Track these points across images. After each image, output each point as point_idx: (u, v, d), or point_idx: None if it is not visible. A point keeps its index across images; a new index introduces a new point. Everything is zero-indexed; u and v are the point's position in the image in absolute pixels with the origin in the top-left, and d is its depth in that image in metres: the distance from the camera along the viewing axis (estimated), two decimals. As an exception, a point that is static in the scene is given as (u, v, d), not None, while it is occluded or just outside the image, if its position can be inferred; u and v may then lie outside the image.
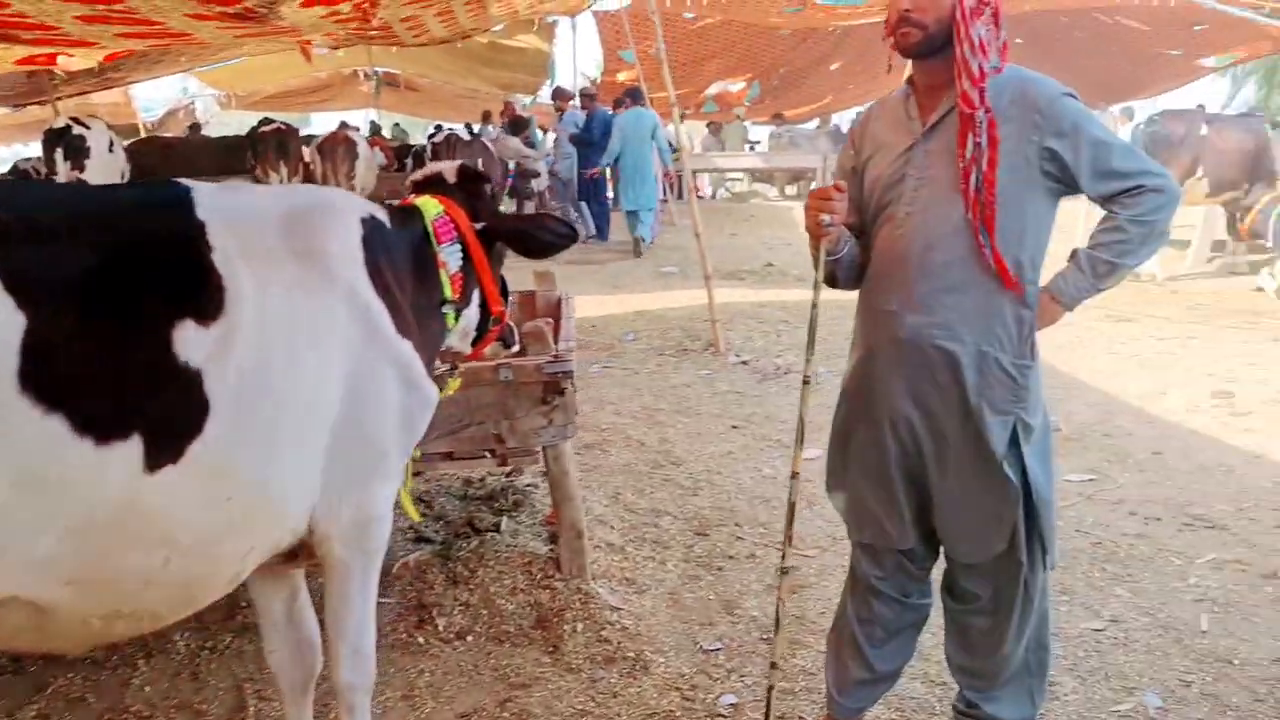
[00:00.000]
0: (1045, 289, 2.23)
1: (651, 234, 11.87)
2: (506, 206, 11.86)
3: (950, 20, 2.12)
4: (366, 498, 2.04)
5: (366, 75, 21.01)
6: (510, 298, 2.89)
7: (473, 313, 2.54)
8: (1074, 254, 2.23)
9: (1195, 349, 6.74)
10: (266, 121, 10.97)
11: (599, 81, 17.42)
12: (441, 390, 2.35)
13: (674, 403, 5.86)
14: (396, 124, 24.19)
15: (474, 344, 2.64)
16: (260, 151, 10.42)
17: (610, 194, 12.81)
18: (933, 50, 2.17)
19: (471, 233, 2.46)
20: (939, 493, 2.28)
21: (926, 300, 2.22)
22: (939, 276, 2.21)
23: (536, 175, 11.96)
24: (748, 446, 5.07)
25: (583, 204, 12.55)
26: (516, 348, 2.94)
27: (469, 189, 2.56)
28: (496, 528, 3.71)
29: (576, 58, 17.54)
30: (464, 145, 10.19)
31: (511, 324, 2.87)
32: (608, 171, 12.26)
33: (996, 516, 2.24)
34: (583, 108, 12.57)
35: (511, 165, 11.92)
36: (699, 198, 19.23)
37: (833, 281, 2.41)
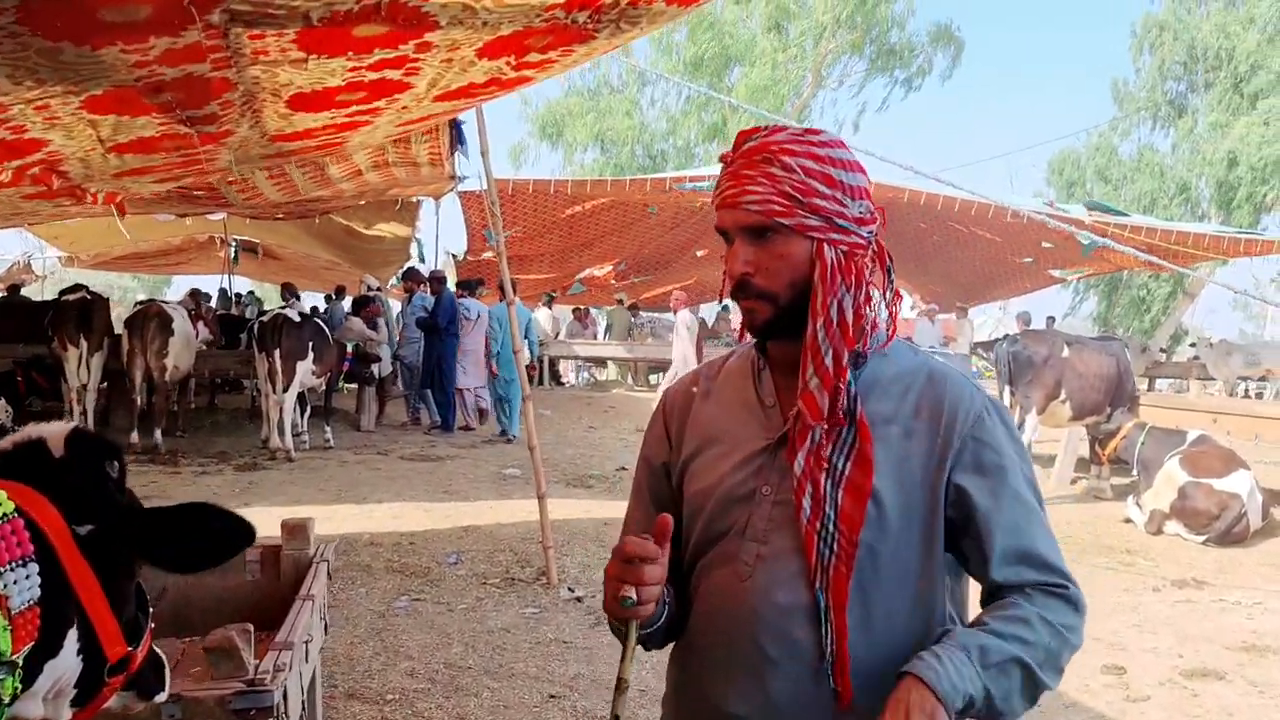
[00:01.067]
0: (905, 670, 1.37)
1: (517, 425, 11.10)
2: (341, 392, 10.92)
3: (805, 285, 1.48)
4: None
5: (223, 241, 20.07)
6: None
7: (68, 662, 1.63)
8: (947, 633, 1.44)
9: (1071, 594, 6.15)
10: (75, 288, 9.89)
11: (463, 261, 16.94)
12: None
13: (486, 657, 4.90)
14: (251, 291, 23.11)
15: (81, 704, 1.71)
16: (59, 321, 9.31)
17: (463, 383, 11.96)
18: (793, 327, 1.50)
19: (69, 544, 1.58)
20: None
21: (784, 699, 1.47)
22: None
23: (377, 360, 11.09)
24: (563, 728, 4.14)
25: (426, 391, 11.70)
26: (164, 695, 1.98)
27: (80, 470, 1.69)
28: None
29: (439, 239, 17.09)
30: (293, 327, 9.27)
31: (160, 655, 1.93)
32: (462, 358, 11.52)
33: None
34: (431, 291, 11.86)
35: (350, 348, 11.03)
36: (560, 384, 18.69)
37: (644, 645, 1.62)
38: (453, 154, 8.59)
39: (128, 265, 26.19)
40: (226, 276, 20.82)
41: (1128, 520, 8.17)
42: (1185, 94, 26.96)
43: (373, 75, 3.10)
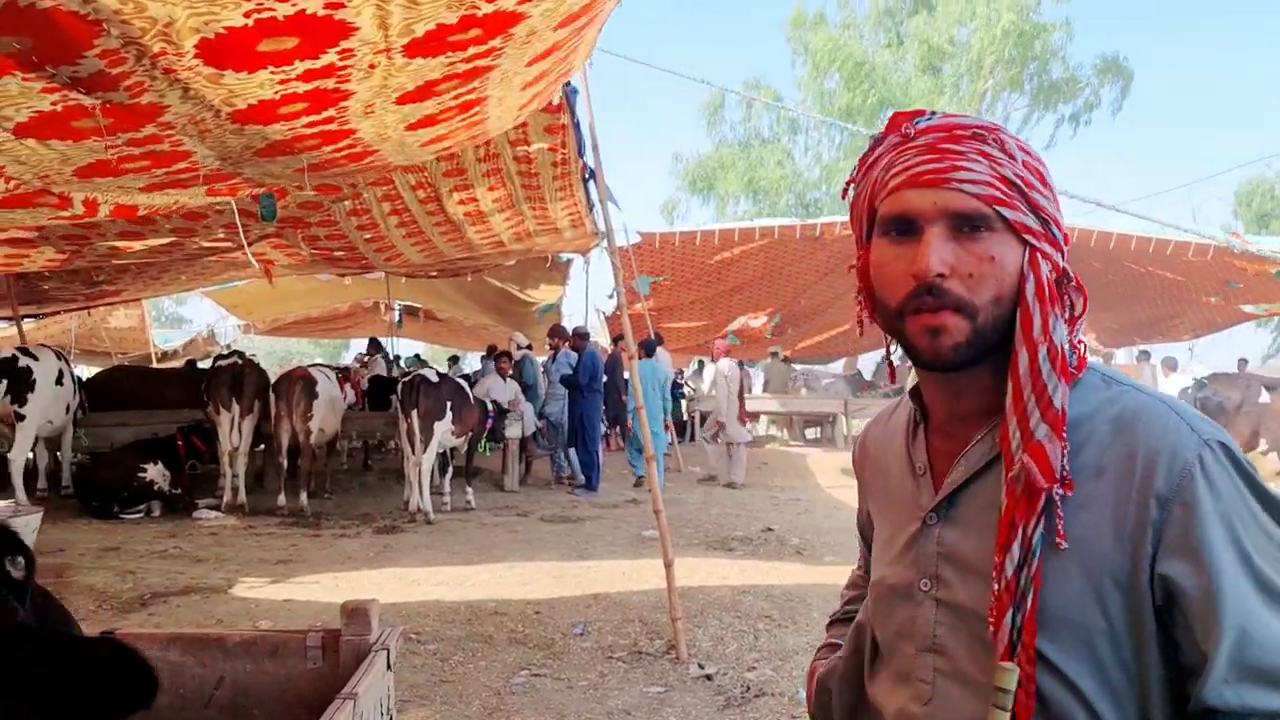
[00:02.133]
0: None
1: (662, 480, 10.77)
2: (484, 453, 10.85)
3: (1013, 302, 1.14)
4: None
5: (388, 306, 20.76)
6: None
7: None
8: None
9: None
10: (230, 354, 10.20)
11: (609, 316, 16.86)
12: None
13: (600, 742, 4.52)
14: (417, 355, 23.73)
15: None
16: (213, 387, 9.58)
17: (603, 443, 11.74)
18: (982, 358, 1.16)
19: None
20: None
21: None
22: None
23: (507, 413, 10.94)
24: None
25: (571, 450, 11.51)
26: None
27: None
28: None
29: (589, 294, 17.06)
30: (430, 387, 9.24)
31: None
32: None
33: None
34: (572, 348, 11.72)
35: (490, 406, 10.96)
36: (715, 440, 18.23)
37: None
38: (590, 210, 8.48)
39: (301, 330, 27.51)
40: (391, 339, 21.45)
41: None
42: (1394, 110, 24.70)
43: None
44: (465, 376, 14.99)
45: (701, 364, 20.97)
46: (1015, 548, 1.08)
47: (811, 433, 17.99)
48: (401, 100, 3.87)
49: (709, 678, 5.39)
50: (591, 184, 7.24)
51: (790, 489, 11.65)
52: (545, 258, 13.78)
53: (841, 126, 22.13)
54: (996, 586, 1.09)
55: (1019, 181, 1.14)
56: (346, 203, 7.84)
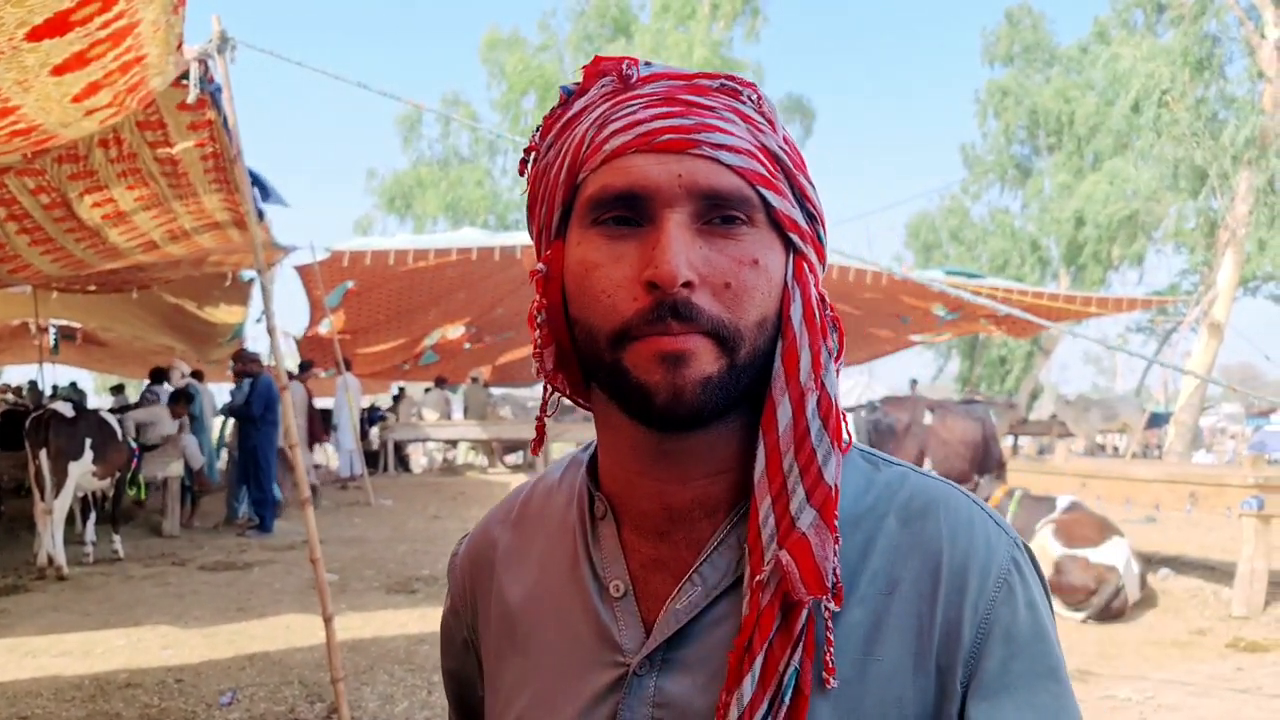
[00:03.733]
0: None
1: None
2: (139, 490, 9.63)
3: (775, 331, 0.79)
4: None
5: (40, 328, 18.40)
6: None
7: None
8: None
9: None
10: None
11: (301, 339, 15.81)
12: None
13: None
14: (73, 383, 21.29)
15: None
16: None
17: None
18: (729, 407, 0.79)
19: None
20: None
21: None
22: None
23: (155, 447, 9.79)
24: None
25: (242, 487, 10.47)
26: None
27: None
28: None
29: (273, 318, 15.87)
30: (64, 423, 8.03)
31: None
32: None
33: None
34: (241, 374, 10.65)
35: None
36: (407, 470, 17.50)
37: None
38: (261, 218, 7.66)
39: (-75, 357, 24.06)
40: (40, 366, 19.04)
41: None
42: (1030, 156, 27.83)
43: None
44: (127, 406, 13.47)
45: (402, 390, 20.16)
46: (747, 684, 0.73)
47: (513, 458, 17.62)
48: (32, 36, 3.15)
49: (372, 745, 4.82)
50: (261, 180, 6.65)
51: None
52: (224, 275, 12.66)
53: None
54: None
55: (784, 158, 0.79)
56: (-60, 208, 6.65)
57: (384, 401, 21.84)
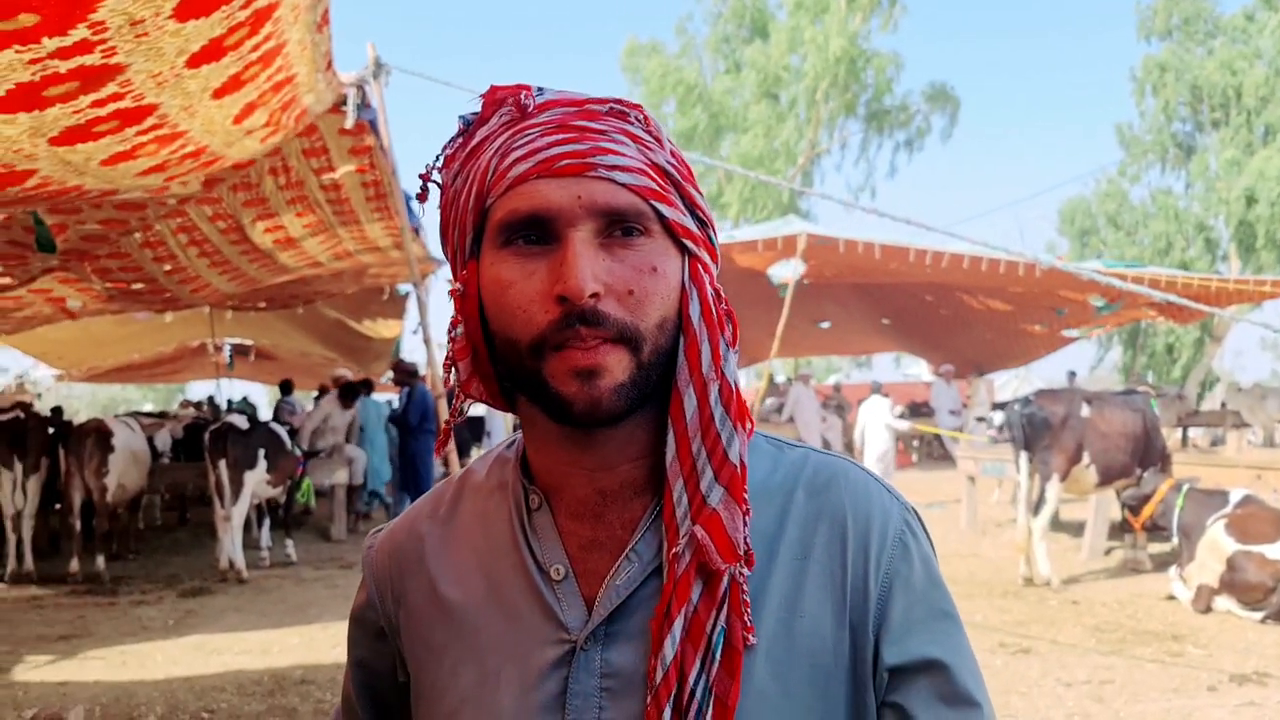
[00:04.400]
0: None
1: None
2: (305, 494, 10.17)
3: (676, 328, 0.88)
4: None
5: (216, 347, 19.60)
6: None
7: None
8: None
9: (1117, 702, 5.22)
10: (12, 407, 9.25)
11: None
12: None
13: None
14: (245, 397, 22.55)
15: None
16: (-10, 444, 8.64)
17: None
18: (641, 402, 0.87)
19: None
20: None
21: None
22: None
23: (317, 454, 10.28)
24: None
25: (404, 495, 10.92)
26: None
27: None
28: None
29: (429, 327, 16.42)
30: (239, 435, 8.55)
31: None
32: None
33: None
34: (398, 384, 11.11)
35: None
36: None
37: None
38: (417, 235, 8.01)
39: (125, 376, 25.86)
40: (217, 382, 20.30)
41: (1171, 597, 7.26)
42: (1193, 134, 26.33)
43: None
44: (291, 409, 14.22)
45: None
46: (668, 646, 0.82)
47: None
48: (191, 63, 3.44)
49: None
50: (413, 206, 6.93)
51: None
52: (381, 289, 13.19)
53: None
54: (647, 703, 0.83)
55: (672, 171, 0.88)
56: (136, 235, 7.19)
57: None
